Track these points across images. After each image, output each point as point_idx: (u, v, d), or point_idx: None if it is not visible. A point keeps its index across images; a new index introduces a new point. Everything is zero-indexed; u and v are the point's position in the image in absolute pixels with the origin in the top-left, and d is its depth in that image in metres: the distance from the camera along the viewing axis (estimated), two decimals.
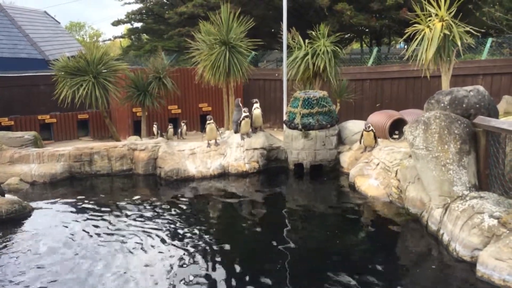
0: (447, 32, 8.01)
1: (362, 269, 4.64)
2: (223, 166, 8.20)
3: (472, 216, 4.72)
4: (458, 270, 4.56)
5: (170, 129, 12.01)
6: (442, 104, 5.64)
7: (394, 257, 5.01)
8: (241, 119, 8.46)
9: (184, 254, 5.04)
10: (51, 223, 6.07)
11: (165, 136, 11.98)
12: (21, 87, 16.19)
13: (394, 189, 6.40)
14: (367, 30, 20.84)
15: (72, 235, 5.61)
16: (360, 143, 7.93)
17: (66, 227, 5.91)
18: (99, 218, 6.22)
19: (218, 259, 4.93)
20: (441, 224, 5.17)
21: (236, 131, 8.95)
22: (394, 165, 6.62)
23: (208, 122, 8.47)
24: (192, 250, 5.15)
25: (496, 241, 4.38)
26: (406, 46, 16.89)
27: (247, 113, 8.54)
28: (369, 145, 7.81)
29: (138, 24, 27.23)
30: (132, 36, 28.82)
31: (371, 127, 7.83)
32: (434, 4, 8.19)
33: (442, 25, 8.03)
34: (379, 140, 8.83)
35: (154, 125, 12.84)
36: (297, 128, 8.20)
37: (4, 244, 5.38)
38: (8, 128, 13.07)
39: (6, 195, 6.45)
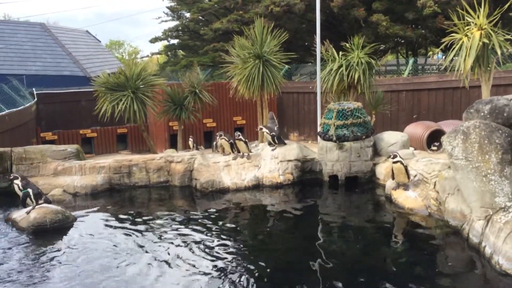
0: (486, 40, 7.82)
1: (401, 283, 4.54)
2: (257, 178, 8.24)
3: None
4: (502, 284, 4.39)
5: (225, 142, 8.80)
6: (482, 114, 5.50)
7: (435, 271, 4.86)
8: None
9: (217, 265, 5.07)
10: (92, 232, 6.26)
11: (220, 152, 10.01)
12: (64, 103, 16.93)
13: (433, 201, 6.24)
14: (402, 41, 20.61)
15: (113, 244, 5.76)
16: (393, 178, 6.97)
17: (107, 236, 6.09)
18: (137, 228, 6.37)
19: (252, 271, 4.94)
20: (483, 236, 5.00)
21: (270, 144, 9.00)
22: (432, 177, 6.46)
23: (236, 138, 8.50)
24: (225, 261, 5.18)
25: None
26: (444, 57, 16.57)
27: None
28: (401, 181, 6.86)
29: (175, 41, 28.04)
30: (169, 53, 29.70)
31: (398, 157, 6.76)
32: (472, 12, 8.04)
33: (481, 33, 7.84)
34: (416, 152, 8.67)
35: (190, 139, 13.09)
36: (331, 140, 8.16)
37: (48, 252, 5.59)
38: (52, 142, 13.66)
39: (50, 205, 6.71)
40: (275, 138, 8.64)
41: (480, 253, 4.94)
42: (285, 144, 8.74)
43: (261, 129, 8.98)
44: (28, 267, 5.13)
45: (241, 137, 8.51)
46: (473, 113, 5.62)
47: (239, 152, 8.60)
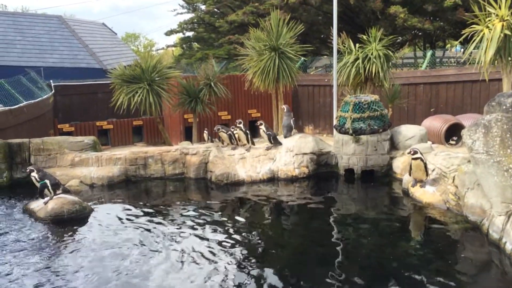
0: (508, 32, 7.64)
1: (418, 279, 4.47)
2: (272, 171, 8.21)
3: None
4: None
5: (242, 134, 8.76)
6: (504, 107, 5.37)
7: (453, 267, 4.78)
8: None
9: (232, 258, 5.07)
10: (108, 223, 6.31)
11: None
12: (81, 95, 17.09)
13: (451, 195, 6.13)
14: (420, 33, 20.29)
15: (128, 236, 5.80)
16: (410, 174, 6.89)
17: (122, 227, 6.13)
18: (152, 220, 6.40)
19: (266, 264, 4.93)
20: (504, 232, 4.89)
21: (286, 136, 8.95)
22: (451, 171, 6.35)
23: (237, 126, 8.55)
24: (240, 254, 5.18)
25: None
26: (462, 50, 16.28)
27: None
28: (419, 178, 6.72)
29: (190, 33, 28.07)
30: (184, 45, 29.75)
31: (418, 153, 6.62)
32: (494, 3, 7.85)
33: (503, 25, 7.67)
34: (434, 146, 8.54)
35: (205, 131, 13.10)
36: (347, 133, 8.07)
37: (65, 242, 5.65)
38: (69, 134, 13.81)
39: (67, 196, 6.78)
40: (271, 138, 8.58)
41: (500, 249, 4.85)
42: (281, 144, 8.62)
43: (261, 124, 8.78)
44: (45, 256, 5.19)
45: (241, 125, 8.41)
46: (495, 106, 5.49)
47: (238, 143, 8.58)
